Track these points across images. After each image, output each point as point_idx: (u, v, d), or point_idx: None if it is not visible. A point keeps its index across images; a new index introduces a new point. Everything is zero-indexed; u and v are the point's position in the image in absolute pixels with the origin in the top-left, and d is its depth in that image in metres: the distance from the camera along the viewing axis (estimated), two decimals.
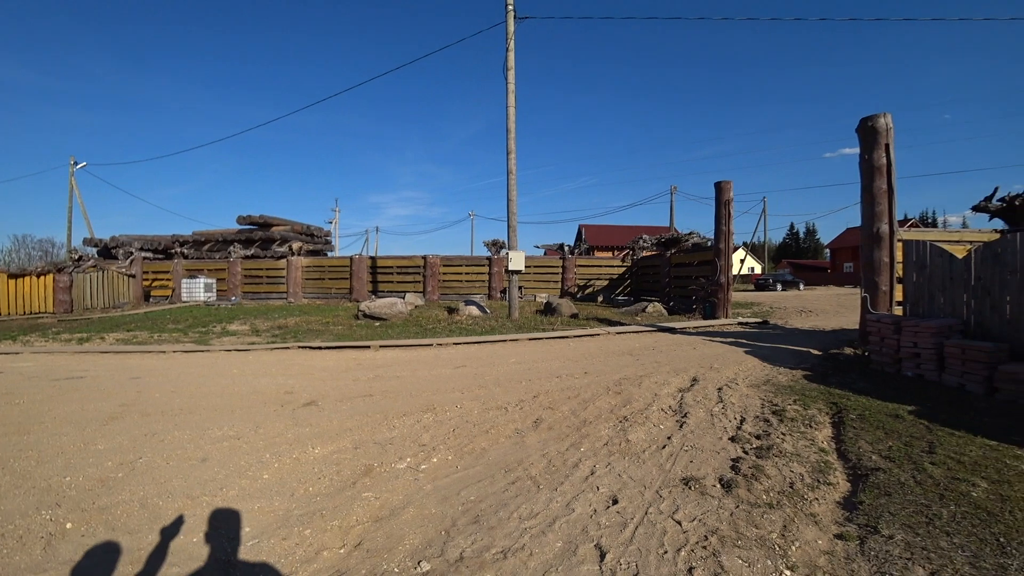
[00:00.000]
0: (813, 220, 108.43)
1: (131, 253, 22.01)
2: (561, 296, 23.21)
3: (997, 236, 10.48)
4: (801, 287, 39.29)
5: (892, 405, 5.22)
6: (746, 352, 8.77)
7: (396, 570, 2.55)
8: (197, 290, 21.88)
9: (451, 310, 16.55)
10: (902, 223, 58.04)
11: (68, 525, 2.96)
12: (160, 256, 24.61)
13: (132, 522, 3.02)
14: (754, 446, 4.13)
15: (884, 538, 2.69)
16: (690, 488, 3.37)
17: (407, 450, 4.27)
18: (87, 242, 25.99)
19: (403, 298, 20.36)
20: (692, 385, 6.29)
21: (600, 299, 22.62)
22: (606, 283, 24.57)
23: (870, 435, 4.31)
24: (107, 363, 8.29)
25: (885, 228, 8.84)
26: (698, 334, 11.63)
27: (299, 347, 9.78)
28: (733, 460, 3.85)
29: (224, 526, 3.00)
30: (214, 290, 22.44)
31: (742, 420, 4.85)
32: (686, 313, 16.62)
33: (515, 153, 14.87)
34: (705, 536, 2.75)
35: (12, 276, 17.24)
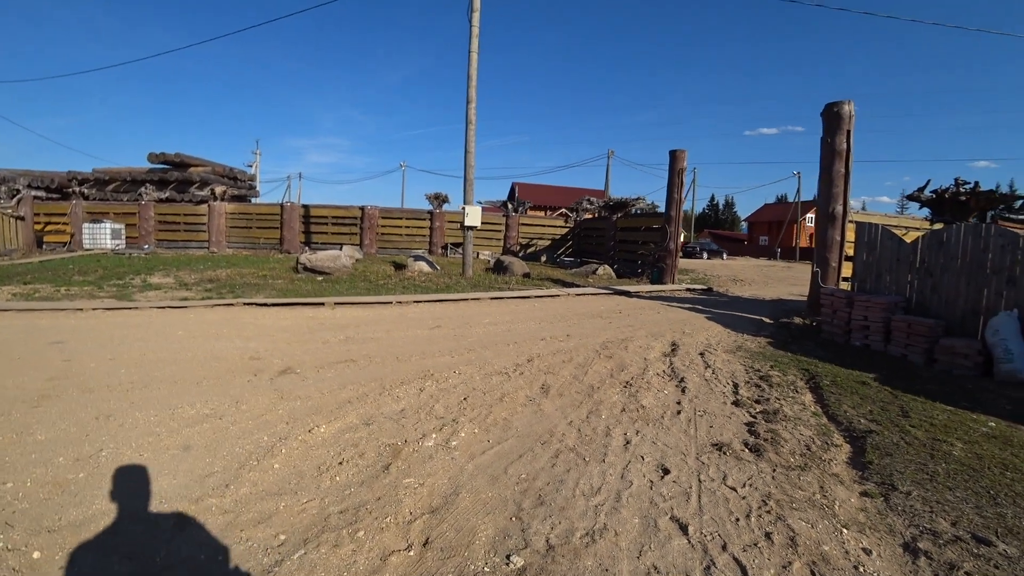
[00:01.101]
0: (732, 194, 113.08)
1: (17, 191, 19.02)
2: (503, 254, 22.78)
3: (928, 224, 11.47)
4: (724, 256, 41.22)
5: (856, 373, 5.66)
6: (708, 319, 9.01)
7: (486, 569, 2.20)
8: (103, 236, 19.43)
9: (398, 266, 15.68)
10: (810, 205, 62.14)
11: (35, 555, 2.21)
12: (55, 196, 21.48)
13: (124, 544, 2.31)
14: (759, 410, 4.31)
15: (903, 494, 2.95)
16: (724, 454, 3.46)
17: (426, 424, 3.82)
18: None
19: (340, 250, 19.14)
20: (674, 350, 6.39)
21: (543, 259, 22.37)
22: (548, 243, 24.31)
23: (849, 400, 4.67)
24: (11, 324, 6.96)
25: (839, 209, 9.24)
26: (654, 298, 11.76)
27: (244, 304, 8.74)
28: (747, 425, 4.00)
29: (254, 538, 2.37)
30: (123, 236, 20.03)
31: (735, 385, 5.04)
32: (632, 277, 16.81)
33: (475, 103, 13.94)
34: (763, 501, 2.85)
35: None
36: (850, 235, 9.30)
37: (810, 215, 62.42)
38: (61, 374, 4.70)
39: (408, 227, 22.08)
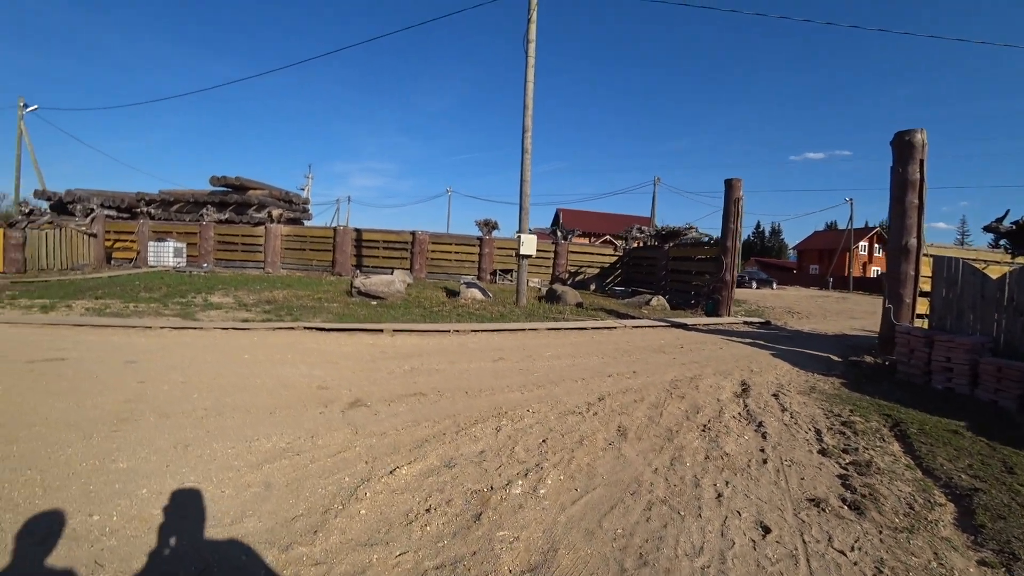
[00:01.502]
0: (779, 221, 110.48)
1: (91, 210, 20.02)
2: (552, 282, 22.58)
3: (1008, 257, 10.70)
4: (774, 286, 39.80)
5: (944, 420, 5.24)
6: (772, 355, 8.62)
7: None
8: (166, 254, 20.18)
9: (451, 292, 15.63)
10: (863, 232, 60.07)
11: None
12: (124, 215, 22.54)
13: None
14: (848, 461, 4.05)
15: None
16: (823, 511, 3.24)
17: (509, 469, 3.59)
18: (38, 195, 23.64)
19: (391, 274, 19.29)
20: (746, 391, 6.10)
21: (592, 287, 22.05)
22: (597, 271, 23.95)
23: (942, 452, 4.32)
24: (87, 340, 7.11)
25: (913, 242, 8.81)
26: (712, 332, 11.32)
27: (304, 328, 8.74)
28: (840, 478, 3.76)
29: None
30: (184, 255, 20.77)
31: (818, 432, 4.75)
32: (686, 308, 16.29)
33: (531, 131, 13.95)
34: (877, 568, 2.64)
35: None
36: (925, 269, 8.84)
37: (863, 243, 60.50)
38: (137, 396, 4.67)
39: (457, 252, 22.15)
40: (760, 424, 4.84)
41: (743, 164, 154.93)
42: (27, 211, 20.98)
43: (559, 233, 23.79)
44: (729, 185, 14.80)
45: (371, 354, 7.20)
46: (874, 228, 64.79)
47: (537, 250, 23.13)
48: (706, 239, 21.87)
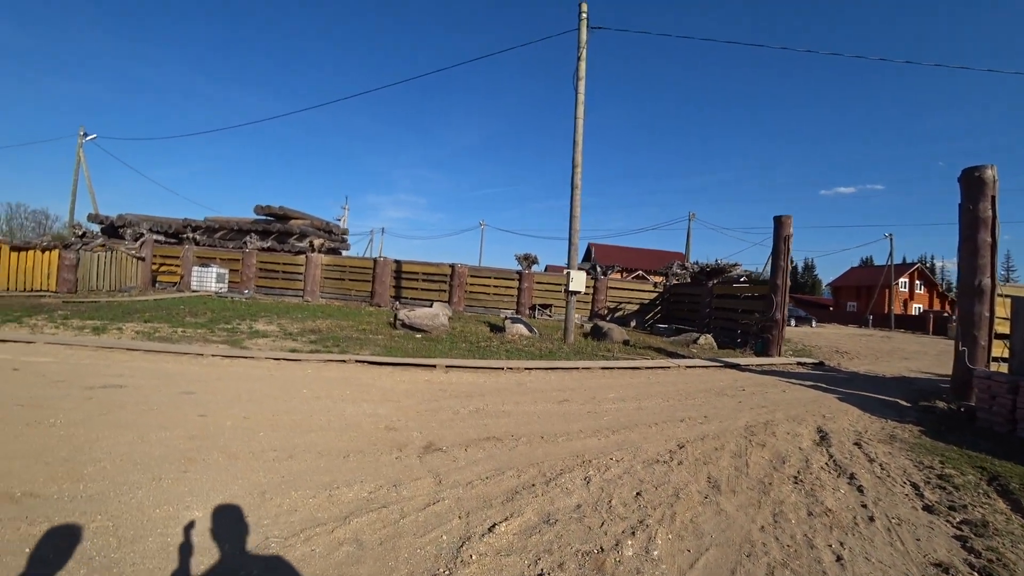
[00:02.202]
0: (812, 256, 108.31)
1: (141, 234, 20.46)
2: (591, 318, 22.17)
3: None
4: (813, 324, 38.59)
5: None
6: (838, 399, 8.12)
7: None
8: (209, 279, 20.40)
9: (494, 327, 15.32)
10: (903, 268, 58.26)
11: None
12: (171, 240, 23.02)
13: None
14: (959, 520, 3.75)
15: None
16: None
17: (613, 526, 3.26)
18: (91, 218, 24.36)
19: (430, 307, 19.11)
20: (824, 439, 5.77)
21: (633, 324, 21.51)
22: (637, 308, 23.44)
23: None
24: (141, 367, 6.94)
25: (987, 282, 8.36)
26: (767, 373, 10.86)
27: (356, 361, 8.49)
28: (959, 540, 3.45)
29: None
30: (226, 281, 20.96)
31: (914, 486, 4.44)
32: (733, 347, 15.73)
33: (581, 167, 13.80)
34: None
35: (15, 249, 15.72)
36: (1000, 311, 8.40)
37: (903, 279, 58.49)
38: (200, 432, 4.39)
39: (496, 286, 21.92)
40: (852, 476, 4.53)
41: (772, 199, 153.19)
42: (80, 233, 21.55)
43: (598, 269, 23.44)
44: (779, 222, 14.42)
45: (430, 392, 6.87)
46: (914, 264, 62.98)
47: None
48: (742, 277, 21.40)
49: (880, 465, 4.88)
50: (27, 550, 2.50)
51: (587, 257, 56.41)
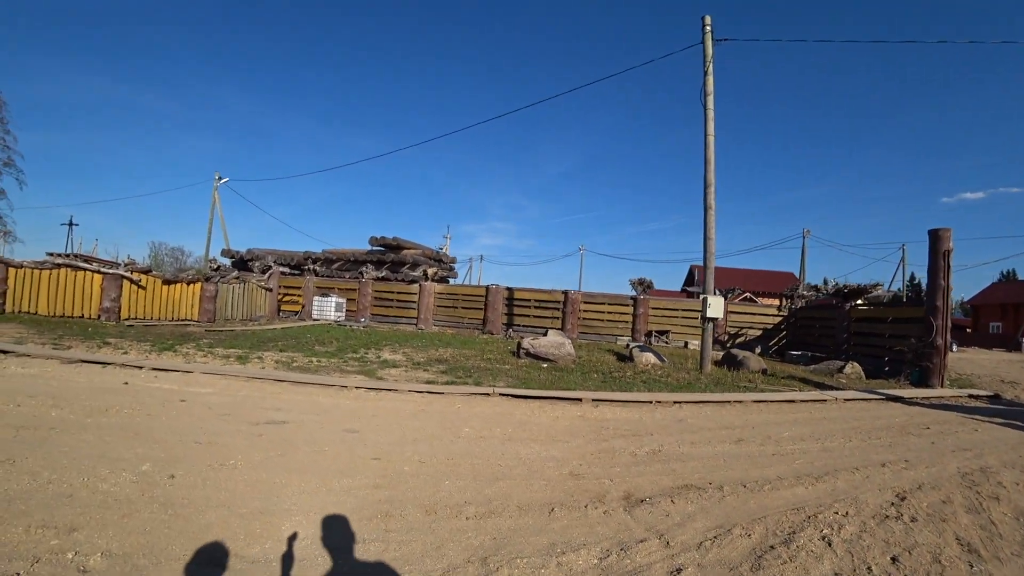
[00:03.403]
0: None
1: (269, 267, 21.70)
2: (712, 344, 20.67)
3: None
4: (955, 348, 34.10)
5: None
6: None
7: None
8: (328, 308, 21.14)
9: (621, 356, 14.47)
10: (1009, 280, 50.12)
11: None
12: (294, 272, 24.26)
13: None
14: None
15: None
16: None
17: None
18: (224, 253, 26.30)
19: (545, 335, 18.56)
20: None
21: (758, 350, 19.74)
22: (760, 333, 21.64)
23: None
24: (296, 400, 6.80)
25: None
26: (939, 407, 9.48)
27: (500, 395, 7.98)
28: None
29: None
30: (344, 310, 21.64)
31: None
32: (883, 377, 13.92)
33: (714, 186, 12.91)
34: None
35: (166, 282, 17.06)
36: None
37: None
38: (384, 480, 3.95)
39: (611, 312, 21.04)
40: None
41: (886, 211, 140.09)
42: (215, 267, 23.23)
43: (717, 293, 21.90)
44: (935, 236, 12.79)
45: (591, 430, 6.20)
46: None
47: (694, 309, 21.55)
48: (885, 298, 19.28)
49: None
50: None
51: (690, 280, 54.00)
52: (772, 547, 3.19)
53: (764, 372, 13.36)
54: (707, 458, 5.24)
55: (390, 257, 24.33)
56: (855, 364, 14.73)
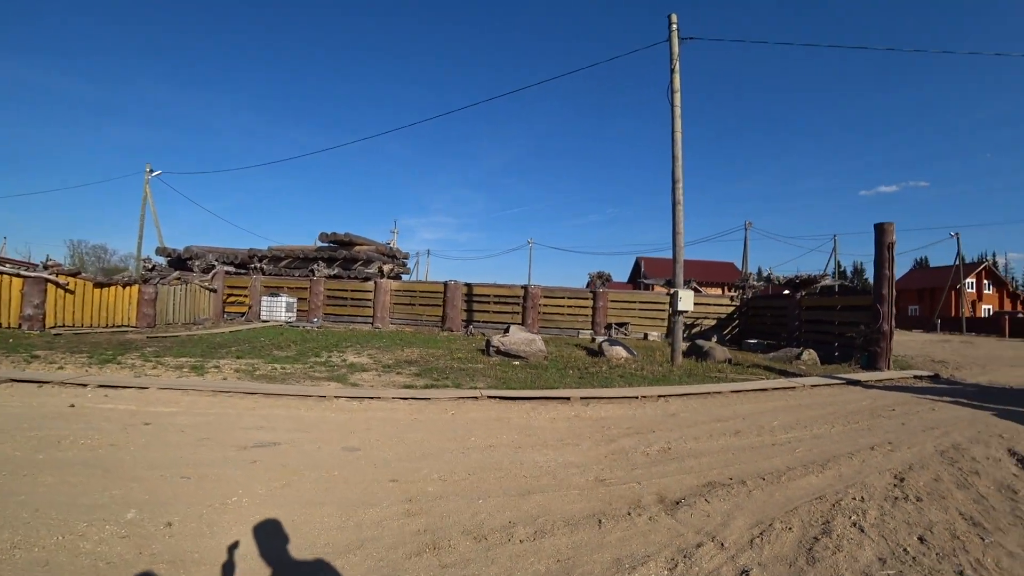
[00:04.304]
0: (861, 260, 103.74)
1: (212, 266, 20.32)
2: (667, 334, 21.12)
3: None
4: None
5: None
6: (995, 416, 7.45)
7: None
8: (278, 309, 20.06)
9: (590, 351, 14.45)
10: (970, 268, 54.77)
11: None
12: (240, 271, 22.79)
13: None
14: None
15: None
16: None
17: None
18: (159, 251, 24.46)
19: (507, 330, 18.32)
20: (1020, 461, 5.23)
21: (714, 339, 20.34)
22: (714, 323, 22.30)
23: None
24: (277, 415, 6.23)
25: None
26: (894, 389, 10.28)
27: (488, 397, 7.69)
28: None
29: None
30: (295, 310, 20.60)
31: None
32: (836, 362, 14.66)
33: (682, 182, 13.02)
34: None
35: (98, 285, 15.61)
36: None
37: (970, 280, 54.84)
38: (413, 507, 3.59)
39: (571, 306, 21.06)
40: None
41: (815, 204, 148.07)
42: (150, 267, 21.61)
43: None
44: (881, 229, 13.63)
45: (591, 430, 6.09)
46: (981, 263, 59.67)
47: (652, 302, 21.91)
48: (835, 288, 20.32)
49: None
50: None
51: (636, 271, 55.09)
52: (816, 538, 3.28)
53: (729, 361, 13.69)
54: (715, 453, 5.28)
55: (342, 254, 23.35)
56: (811, 351, 15.37)
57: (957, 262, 46.20)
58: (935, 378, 11.99)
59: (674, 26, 13.26)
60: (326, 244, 24.36)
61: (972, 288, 56.73)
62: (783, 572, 2.85)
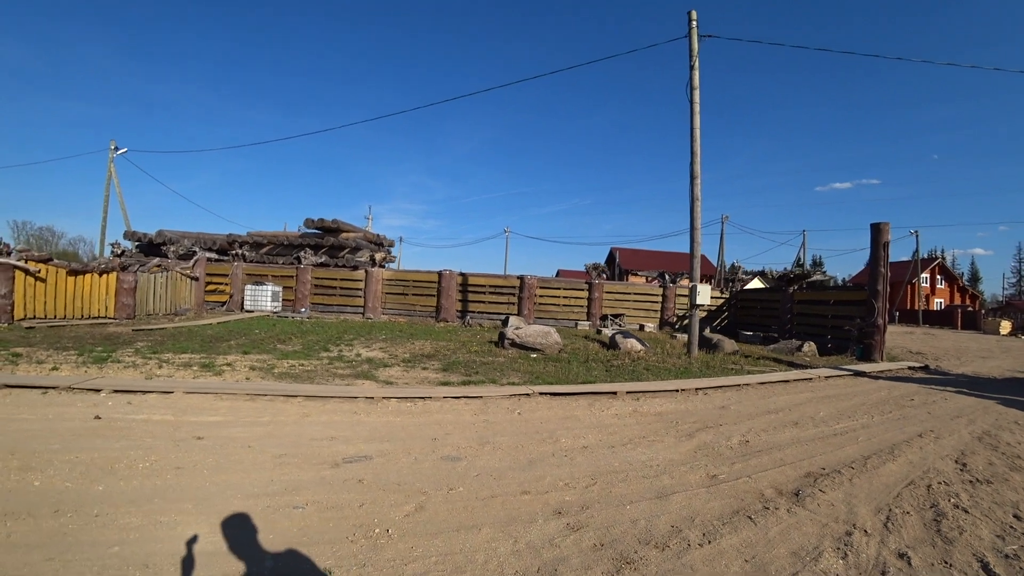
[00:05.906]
0: (820, 254, 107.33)
1: (192, 252, 19.17)
2: (661, 326, 21.24)
3: None
4: None
5: None
6: (1001, 404, 7.99)
7: None
8: (263, 298, 19.09)
9: (603, 343, 14.29)
10: (925, 264, 57.49)
11: None
12: (221, 258, 21.50)
13: None
14: None
15: None
16: None
17: None
18: (128, 236, 22.99)
19: (505, 321, 18.00)
20: None
21: (707, 330, 20.60)
22: (704, 314, 22.50)
23: None
24: (337, 423, 5.76)
25: None
26: (898, 380, 10.70)
27: (540, 394, 7.41)
28: None
29: None
30: (280, 299, 19.68)
31: None
32: (831, 354, 15.11)
33: (700, 178, 12.92)
34: None
35: (72, 273, 14.39)
36: None
37: (924, 275, 57.59)
38: (573, 520, 3.30)
39: (567, 297, 20.92)
40: None
41: (779, 199, 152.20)
42: (119, 252, 20.29)
43: (666, 277, 22.53)
44: (877, 229, 14.28)
45: (662, 425, 6.12)
46: (935, 259, 62.49)
47: (646, 293, 22.00)
48: (828, 283, 20.79)
49: None
50: None
51: (610, 261, 55.36)
52: (936, 520, 3.51)
53: (737, 353, 13.93)
54: (791, 445, 5.45)
55: (328, 241, 22.43)
56: (811, 344, 15.72)
57: (915, 258, 48.17)
58: (925, 369, 12.58)
59: (694, 23, 13.07)
60: (311, 231, 23.37)
61: (927, 282, 59.28)
62: (932, 553, 3.02)
